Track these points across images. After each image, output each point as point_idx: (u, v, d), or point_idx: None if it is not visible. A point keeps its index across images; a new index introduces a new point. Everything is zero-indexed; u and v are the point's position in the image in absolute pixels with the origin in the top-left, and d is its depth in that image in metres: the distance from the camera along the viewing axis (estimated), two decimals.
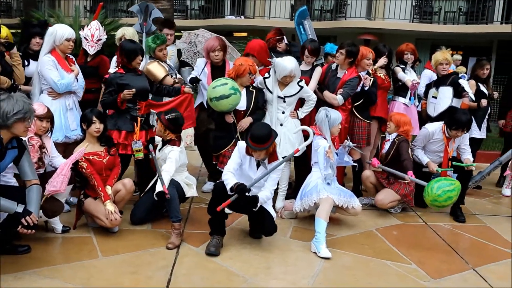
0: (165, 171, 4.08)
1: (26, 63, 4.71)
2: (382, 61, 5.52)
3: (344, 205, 4.38)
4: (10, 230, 3.44)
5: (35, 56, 4.71)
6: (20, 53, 4.64)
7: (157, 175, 4.22)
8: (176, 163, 4.18)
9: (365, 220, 4.75)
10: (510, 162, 5.59)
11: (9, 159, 3.31)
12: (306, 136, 4.80)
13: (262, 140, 3.74)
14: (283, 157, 4.04)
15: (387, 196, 4.86)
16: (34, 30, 4.76)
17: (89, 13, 17.20)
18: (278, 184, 4.77)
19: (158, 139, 4.46)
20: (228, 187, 3.75)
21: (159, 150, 4.38)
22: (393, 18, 15.61)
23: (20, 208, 3.17)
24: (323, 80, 5.10)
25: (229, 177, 3.81)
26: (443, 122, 5.05)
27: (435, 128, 5.04)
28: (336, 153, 4.61)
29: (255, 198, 3.79)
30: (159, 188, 3.92)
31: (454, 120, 4.87)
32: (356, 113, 5.24)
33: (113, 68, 5.03)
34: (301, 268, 3.65)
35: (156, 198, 3.95)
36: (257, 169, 3.95)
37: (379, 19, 15.80)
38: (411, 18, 15.70)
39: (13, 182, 3.74)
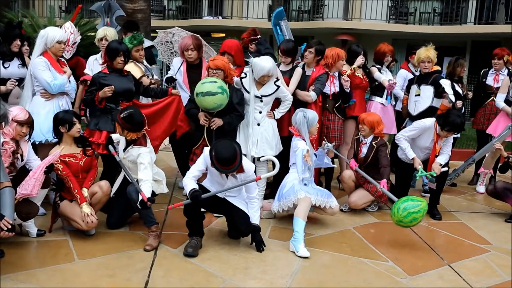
0: (144, 181, 3.93)
1: (6, 64, 4.61)
2: (360, 60, 5.56)
3: (321, 205, 4.42)
4: None
5: (13, 57, 4.65)
6: None
7: (121, 174, 4.19)
8: (150, 167, 4.07)
9: (342, 219, 4.78)
10: (484, 160, 5.68)
11: None
12: (283, 137, 4.82)
13: (229, 162, 3.69)
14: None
15: (360, 197, 4.89)
16: (15, 32, 4.69)
17: (64, 13, 16.97)
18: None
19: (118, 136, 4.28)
20: (186, 191, 3.81)
21: (124, 150, 4.21)
22: (370, 19, 15.77)
23: None
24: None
25: (188, 182, 3.85)
26: (435, 118, 5.05)
27: (431, 123, 5.01)
28: (315, 154, 4.64)
29: (257, 228, 3.94)
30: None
31: (449, 122, 4.85)
32: (336, 113, 5.29)
33: (89, 69, 4.98)
34: (280, 268, 3.66)
35: (140, 207, 3.84)
36: (227, 177, 3.90)
37: (356, 19, 15.93)
38: (387, 18, 15.88)
39: None
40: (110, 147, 4.19)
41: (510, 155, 5.04)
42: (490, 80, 6.03)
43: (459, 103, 5.71)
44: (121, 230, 4.25)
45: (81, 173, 4.12)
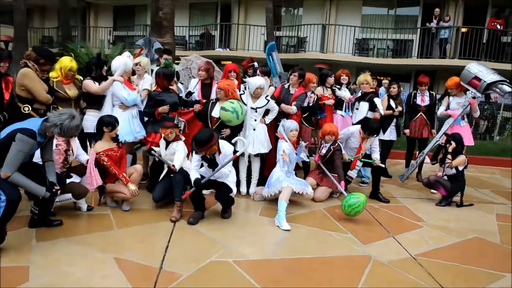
0: (176, 159, 4.12)
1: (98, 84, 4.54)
2: (331, 80, 5.61)
3: (300, 192, 4.42)
4: (46, 206, 3.40)
5: (102, 79, 4.60)
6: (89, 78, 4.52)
7: (165, 166, 4.21)
8: (183, 152, 4.22)
9: (315, 202, 4.78)
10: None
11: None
12: (275, 137, 4.83)
13: (201, 143, 3.71)
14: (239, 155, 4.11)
15: (321, 193, 4.83)
16: (101, 61, 4.64)
17: (112, 45, 16.93)
18: (252, 173, 4.83)
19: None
20: (192, 179, 3.87)
21: (166, 148, 4.30)
22: (340, 52, 15.77)
23: (47, 194, 3.11)
24: (279, 96, 5.16)
25: (192, 174, 3.91)
26: (360, 125, 5.12)
27: (355, 129, 5.11)
28: (296, 153, 4.65)
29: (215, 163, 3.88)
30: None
31: (368, 127, 4.97)
32: (304, 122, 5.29)
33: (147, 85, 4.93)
34: (268, 237, 3.67)
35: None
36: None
37: (330, 52, 15.93)
38: (353, 52, 15.88)
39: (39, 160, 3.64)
40: (152, 152, 4.35)
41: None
42: (418, 100, 6.03)
43: (397, 110, 5.79)
44: (149, 208, 4.23)
45: (118, 162, 4.12)
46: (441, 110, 5.78)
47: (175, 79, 5.09)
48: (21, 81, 3.80)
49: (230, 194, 4.00)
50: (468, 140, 5.52)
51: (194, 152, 3.89)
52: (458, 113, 5.49)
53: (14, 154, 2.87)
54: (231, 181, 4.03)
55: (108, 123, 4.04)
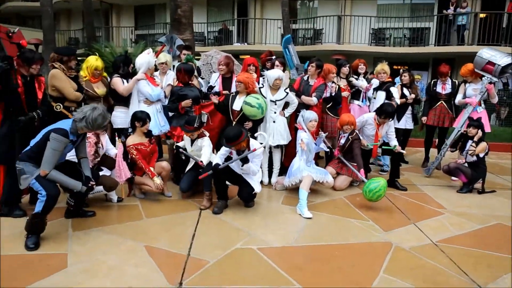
0: (204, 155, 4.14)
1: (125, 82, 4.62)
2: (346, 70, 5.55)
3: (320, 180, 4.41)
4: (81, 198, 3.52)
5: (129, 76, 4.69)
6: (118, 75, 4.60)
7: (191, 160, 4.26)
8: (209, 147, 4.24)
9: (336, 191, 4.75)
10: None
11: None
12: (295, 129, 4.81)
13: (230, 140, 3.75)
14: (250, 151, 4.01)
15: (342, 182, 4.80)
16: (129, 60, 4.75)
17: (134, 43, 17.14)
18: (273, 164, 4.85)
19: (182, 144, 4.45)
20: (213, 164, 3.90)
21: (191, 145, 4.31)
22: (356, 43, 15.52)
23: (83, 188, 3.24)
24: (299, 88, 5.11)
25: (215, 159, 3.95)
26: (374, 112, 5.03)
27: (369, 116, 5.03)
28: (315, 143, 4.63)
29: (246, 159, 3.83)
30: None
31: (382, 111, 4.88)
32: (328, 112, 5.24)
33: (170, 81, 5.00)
34: (290, 225, 3.68)
35: (200, 170, 4.05)
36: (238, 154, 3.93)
37: (346, 43, 15.69)
38: (369, 42, 15.58)
39: (74, 158, 3.75)
40: (180, 150, 4.36)
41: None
42: (439, 88, 5.87)
43: (410, 98, 5.67)
44: (176, 198, 4.30)
45: (148, 156, 4.20)
46: (458, 98, 5.63)
47: (195, 73, 5.13)
48: (51, 82, 3.91)
49: (253, 193, 4.00)
50: (486, 126, 5.38)
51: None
52: (477, 100, 5.34)
53: (50, 152, 2.99)
54: (256, 180, 4.01)
55: (139, 119, 4.13)
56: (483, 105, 5.54)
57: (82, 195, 3.47)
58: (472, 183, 4.86)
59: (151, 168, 4.11)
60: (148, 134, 4.23)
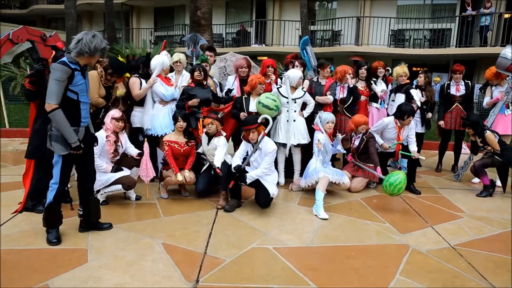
0: (217, 156, 4.13)
1: (144, 82, 4.71)
2: (363, 72, 5.48)
3: (336, 181, 4.40)
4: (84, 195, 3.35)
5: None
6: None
7: (206, 164, 4.31)
8: (224, 147, 4.22)
9: (352, 193, 4.73)
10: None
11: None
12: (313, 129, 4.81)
13: (249, 123, 3.93)
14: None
15: (358, 183, 4.76)
16: (148, 61, 4.82)
17: (153, 45, 17.40)
18: (294, 165, 4.90)
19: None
20: (232, 166, 3.97)
21: (208, 143, 4.30)
22: (375, 44, 15.37)
23: (76, 143, 2.99)
24: (310, 89, 5.15)
25: (235, 160, 4.03)
26: (393, 116, 4.95)
27: (389, 120, 4.96)
28: (332, 144, 4.62)
29: (243, 176, 3.90)
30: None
31: (402, 111, 4.80)
32: (346, 113, 5.21)
33: (185, 82, 5.03)
34: (305, 226, 3.68)
35: (212, 173, 4.16)
36: (255, 151, 4.03)
37: (365, 45, 15.56)
38: (388, 44, 15.40)
39: (104, 166, 3.87)
40: (202, 156, 4.35)
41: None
42: (453, 90, 5.74)
43: (422, 99, 5.57)
44: (192, 198, 4.36)
45: (181, 156, 4.22)
46: (486, 101, 5.49)
47: (210, 73, 5.17)
48: None
49: (270, 198, 3.97)
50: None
51: (244, 143, 4.06)
52: (504, 96, 5.20)
53: (53, 83, 2.85)
54: (272, 183, 3.99)
55: (173, 117, 4.33)
56: (511, 107, 5.39)
57: (83, 194, 3.30)
58: (509, 165, 4.75)
59: (185, 171, 4.15)
60: (188, 135, 4.26)
